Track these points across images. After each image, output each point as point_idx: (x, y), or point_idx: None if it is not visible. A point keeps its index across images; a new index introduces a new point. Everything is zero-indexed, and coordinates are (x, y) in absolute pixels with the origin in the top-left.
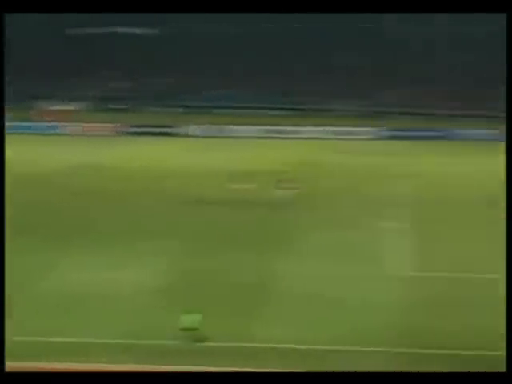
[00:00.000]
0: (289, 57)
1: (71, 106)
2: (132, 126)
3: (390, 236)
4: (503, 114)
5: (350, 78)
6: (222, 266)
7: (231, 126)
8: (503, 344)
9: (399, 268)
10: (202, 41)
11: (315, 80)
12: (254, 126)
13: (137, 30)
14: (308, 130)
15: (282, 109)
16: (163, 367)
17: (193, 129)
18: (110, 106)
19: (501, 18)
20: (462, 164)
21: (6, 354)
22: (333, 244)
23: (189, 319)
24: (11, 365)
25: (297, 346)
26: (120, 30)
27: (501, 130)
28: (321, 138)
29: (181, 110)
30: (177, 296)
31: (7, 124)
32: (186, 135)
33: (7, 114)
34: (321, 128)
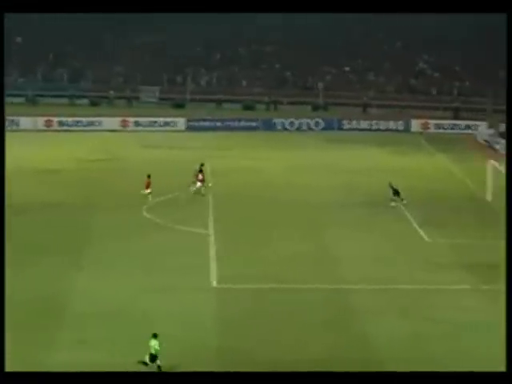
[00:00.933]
0: (81, 38)
1: None
2: None
3: (198, 241)
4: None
5: (155, 60)
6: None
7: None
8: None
9: (204, 279)
10: None
11: (113, 62)
12: (40, 117)
13: None
14: (104, 120)
15: (71, 97)
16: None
17: None
18: None
19: None
20: (274, 159)
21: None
22: (139, 251)
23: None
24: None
25: None
26: None
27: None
28: (121, 131)
29: None
30: None
31: None
32: None
33: None
34: (119, 118)
